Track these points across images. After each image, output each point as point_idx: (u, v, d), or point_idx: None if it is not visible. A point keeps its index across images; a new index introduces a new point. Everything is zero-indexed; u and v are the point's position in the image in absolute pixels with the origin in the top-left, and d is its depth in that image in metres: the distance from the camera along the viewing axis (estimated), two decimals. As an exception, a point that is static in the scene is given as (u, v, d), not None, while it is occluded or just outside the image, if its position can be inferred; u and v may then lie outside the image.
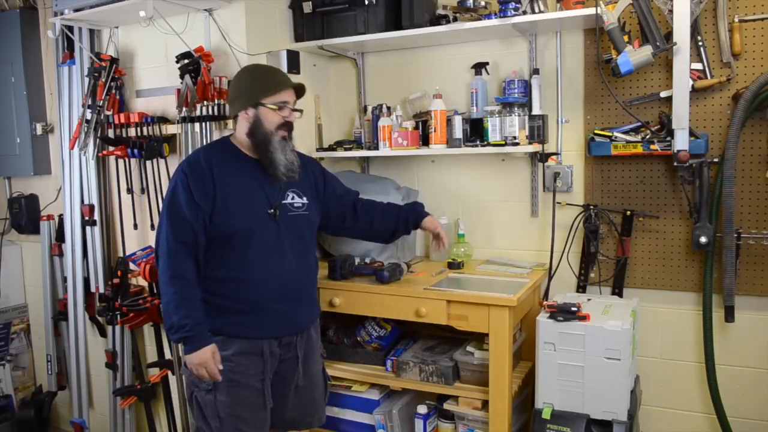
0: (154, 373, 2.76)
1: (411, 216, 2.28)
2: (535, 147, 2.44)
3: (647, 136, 2.29)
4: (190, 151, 2.47)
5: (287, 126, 1.97)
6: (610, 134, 2.35)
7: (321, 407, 2.20)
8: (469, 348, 2.35)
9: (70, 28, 2.71)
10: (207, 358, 1.86)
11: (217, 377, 1.88)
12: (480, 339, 2.34)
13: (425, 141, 2.60)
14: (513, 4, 2.30)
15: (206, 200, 1.89)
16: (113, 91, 2.68)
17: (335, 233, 2.33)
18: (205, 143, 2.46)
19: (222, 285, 1.93)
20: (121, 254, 2.78)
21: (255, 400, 1.96)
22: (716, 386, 2.33)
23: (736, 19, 2.19)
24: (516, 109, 2.45)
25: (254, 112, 1.94)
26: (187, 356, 1.87)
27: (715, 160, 2.25)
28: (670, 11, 2.14)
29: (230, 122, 2.44)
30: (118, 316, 2.74)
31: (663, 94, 2.31)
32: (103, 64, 2.65)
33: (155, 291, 2.67)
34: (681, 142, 2.18)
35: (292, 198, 2.03)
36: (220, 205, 1.90)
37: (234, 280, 1.93)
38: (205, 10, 2.49)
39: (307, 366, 2.09)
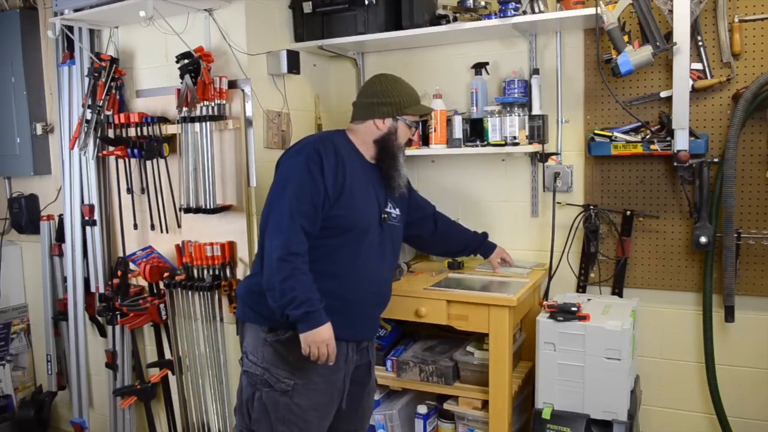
0: (154, 373, 2.76)
1: (481, 248, 2.42)
2: (535, 147, 2.44)
3: (647, 136, 2.29)
4: (190, 151, 2.47)
5: (409, 143, 2.04)
6: (610, 134, 2.35)
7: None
8: (469, 348, 2.35)
9: (70, 28, 2.71)
10: (331, 335, 1.74)
11: (333, 359, 1.77)
12: (480, 339, 2.34)
13: (425, 141, 2.60)
14: (513, 4, 2.30)
15: (335, 188, 1.81)
16: (113, 91, 2.68)
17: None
18: (204, 143, 2.44)
19: (326, 281, 1.82)
20: (121, 254, 2.78)
21: (329, 408, 1.91)
22: (716, 386, 2.33)
23: (736, 19, 2.19)
24: (516, 109, 2.45)
25: (392, 123, 1.93)
26: (309, 333, 1.72)
27: (715, 160, 2.25)
28: (670, 11, 2.14)
29: (230, 122, 2.45)
30: (118, 316, 2.75)
31: (663, 94, 2.31)
32: (103, 64, 2.65)
33: (155, 291, 2.67)
34: (681, 142, 2.19)
35: (391, 208, 2.02)
36: (347, 197, 1.83)
37: (340, 276, 1.86)
38: (205, 10, 2.49)
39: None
